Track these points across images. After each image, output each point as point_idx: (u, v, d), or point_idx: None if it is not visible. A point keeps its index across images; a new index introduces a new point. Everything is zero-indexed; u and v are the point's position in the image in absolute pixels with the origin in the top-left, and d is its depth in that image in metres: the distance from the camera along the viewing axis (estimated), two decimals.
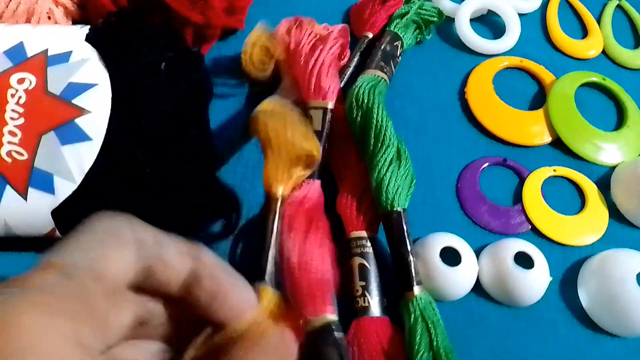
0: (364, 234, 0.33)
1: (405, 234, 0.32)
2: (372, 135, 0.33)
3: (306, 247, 0.30)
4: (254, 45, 0.38)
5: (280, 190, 0.32)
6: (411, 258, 0.31)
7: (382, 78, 0.37)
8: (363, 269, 0.32)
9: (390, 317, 0.32)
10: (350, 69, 0.40)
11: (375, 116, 0.33)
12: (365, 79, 0.36)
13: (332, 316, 0.29)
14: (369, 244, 0.33)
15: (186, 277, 0.20)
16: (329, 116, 0.35)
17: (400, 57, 0.41)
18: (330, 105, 0.35)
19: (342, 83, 0.39)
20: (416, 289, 0.31)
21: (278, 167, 0.32)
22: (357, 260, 0.32)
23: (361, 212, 0.34)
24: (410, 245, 0.32)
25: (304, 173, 0.33)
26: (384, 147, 0.33)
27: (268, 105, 0.33)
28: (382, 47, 0.39)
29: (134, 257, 0.19)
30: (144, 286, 0.20)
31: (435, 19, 0.43)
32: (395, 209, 0.32)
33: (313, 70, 0.35)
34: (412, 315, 0.30)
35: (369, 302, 0.31)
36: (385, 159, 0.33)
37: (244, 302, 0.21)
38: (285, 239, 0.31)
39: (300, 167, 0.32)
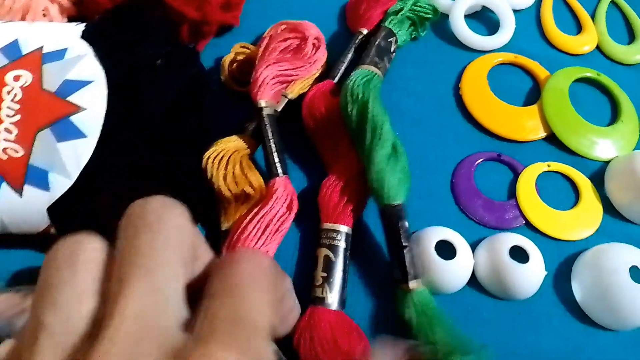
0: (337, 227, 0.33)
1: (404, 227, 0.32)
2: (369, 130, 0.33)
3: None
4: (231, 62, 0.39)
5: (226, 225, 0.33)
6: (408, 252, 0.31)
7: (376, 73, 0.37)
8: (328, 261, 0.32)
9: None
10: (345, 64, 0.40)
11: (371, 110, 0.33)
12: (359, 74, 0.36)
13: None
14: (340, 237, 0.33)
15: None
16: (264, 113, 0.35)
17: (394, 53, 0.41)
18: (263, 103, 0.35)
19: (336, 78, 0.39)
20: (413, 283, 0.31)
21: (224, 207, 0.33)
22: (324, 251, 0.32)
23: (340, 204, 0.33)
24: (408, 239, 0.32)
25: (247, 206, 0.34)
26: (382, 142, 0.33)
27: (217, 148, 0.34)
28: (377, 42, 0.39)
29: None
30: None
31: (431, 15, 0.43)
32: (393, 203, 0.32)
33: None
34: (410, 309, 0.31)
35: (326, 294, 0.31)
36: (383, 153, 0.33)
37: None
38: None
39: (240, 202, 0.33)
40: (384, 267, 0.34)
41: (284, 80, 0.37)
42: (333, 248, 0.32)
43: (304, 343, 0.29)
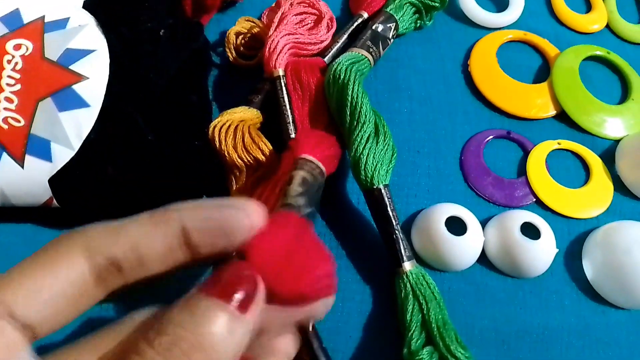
0: (316, 161, 0.29)
1: (389, 210, 0.31)
2: (348, 113, 0.32)
3: None
4: (237, 34, 0.38)
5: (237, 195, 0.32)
6: (398, 234, 0.31)
7: (366, 57, 0.36)
8: (305, 181, 0.27)
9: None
10: (338, 45, 0.38)
11: (350, 92, 0.32)
12: (346, 56, 0.35)
13: None
14: (318, 170, 0.28)
15: (174, 239, 0.19)
16: (282, 82, 0.35)
17: (392, 40, 0.39)
18: (280, 72, 0.35)
19: (327, 58, 0.38)
20: (406, 265, 0.30)
21: (234, 176, 0.32)
22: (302, 173, 0.27)
23: (318, 146, 0.30)
24: (395, 220, 0.31)
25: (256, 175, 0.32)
26: (361, 124, 0.32)
27: (222, 119, 0.33)
28: (374, 27, 0.38)
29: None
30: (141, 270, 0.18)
31: (437, 4, 0.42)
32: (375, 186, 0.31)
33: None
34: (403, 292, 0.30)
35: (301, 204, 0.26)
36: (362, 136, 0.32)
37: (241, 218, 0.19)
38: None
39: (250, 171, 0.32)
40: (377, 251, 0.34)
41: (296, 52, 0.36)
42: (313, 172, 0.28)
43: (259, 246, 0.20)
